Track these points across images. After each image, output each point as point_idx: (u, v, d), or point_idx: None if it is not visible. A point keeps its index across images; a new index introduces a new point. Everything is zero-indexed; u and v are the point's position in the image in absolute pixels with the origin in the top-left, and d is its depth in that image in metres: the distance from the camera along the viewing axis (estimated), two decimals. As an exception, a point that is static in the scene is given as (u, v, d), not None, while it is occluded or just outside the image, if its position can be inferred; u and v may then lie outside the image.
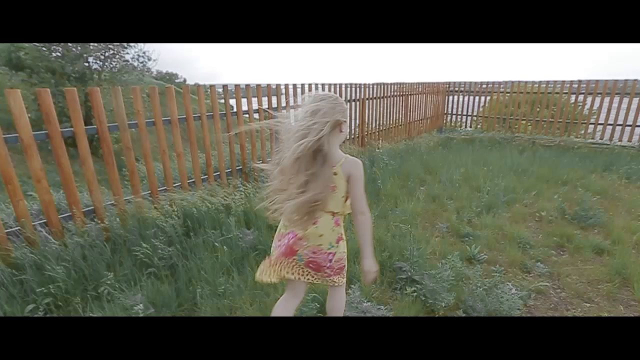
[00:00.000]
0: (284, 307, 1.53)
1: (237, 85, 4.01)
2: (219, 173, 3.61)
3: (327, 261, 1.42)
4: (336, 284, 1.50)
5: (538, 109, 7.76)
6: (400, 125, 7.16)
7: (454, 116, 9.11)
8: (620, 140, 6.89)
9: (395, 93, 6.78)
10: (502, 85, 8.26)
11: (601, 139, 7.06)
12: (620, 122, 6.83)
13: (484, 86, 8.62)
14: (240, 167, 3.84)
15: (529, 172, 5.00)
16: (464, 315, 2.02)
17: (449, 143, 7.33)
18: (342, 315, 1.64)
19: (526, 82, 7.83)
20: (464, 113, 8.93)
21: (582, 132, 7.24)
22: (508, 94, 8.18)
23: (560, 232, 3.10)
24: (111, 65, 15.78)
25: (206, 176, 3.51)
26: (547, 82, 7.56)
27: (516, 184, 4.43)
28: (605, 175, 5.02)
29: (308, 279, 1.46)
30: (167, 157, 3.11)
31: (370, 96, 6.00)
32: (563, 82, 7.33)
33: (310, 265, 1.43)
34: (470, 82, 8.72)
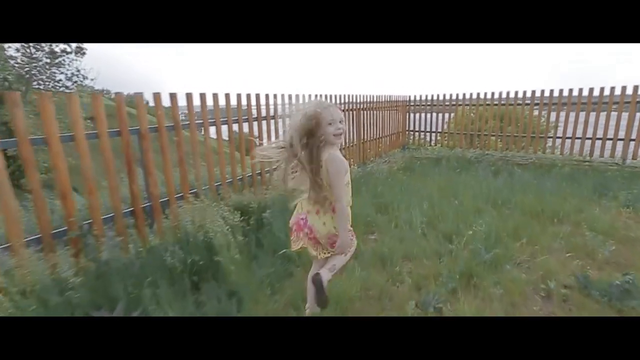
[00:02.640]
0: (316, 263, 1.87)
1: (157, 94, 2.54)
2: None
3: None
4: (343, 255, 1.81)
5: (509, 125, 6.83)
6: (352, 145, 5.90)
7: (418, 133, 8.05)
8: (601, 156, 6.01)
9: (342, 107, 5.53)
10: (466, 100, 7.28)
11: (581, 154, 6.17)
12: (599, 135, 5.98)
13: (447, 104, 7.61)
14: (67, 228, 2.30)
15: (512, 204, 3.82)
16: None
17: (412, 165, 6.14)
18: (341, 265, 1.83)
19: (493, 95, 6.89)
20: (429, 130, 7.89)
21: (559, 147, 6.31)
22: (474, 106, 7.22)
23: (591, 329, 1.81)
24: (37, 86, 13.80)
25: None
26: (516, 93, 6.66)
27: (499, 224, 3.19)
28: (602, 203, 3.93)
29: (327, 254, 1.76)
30: None
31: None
32: (533, 92, 6.45)
33: (331, 244, 1.74)
34: (432, 98, 7.69)
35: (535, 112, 6.77)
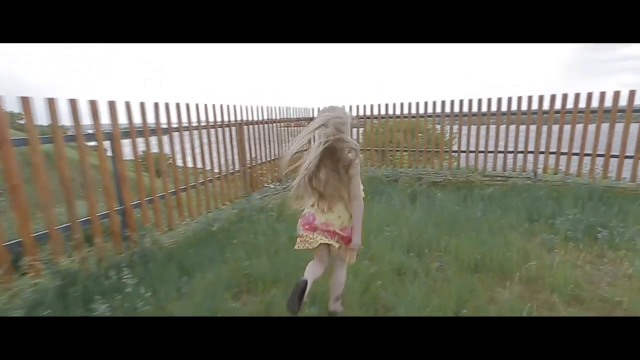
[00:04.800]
0: (313, 268, 1.79)
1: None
2: None
3: (350, 232, 1.76)
4: (346, 260, 1.80)
5: (421, 138, 6.09)
6: (231, 173, 4.33)
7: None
8: (514, 170, 5.55)
9: (220, 121, 3.94)
10: (374, 114, 6.37)
11: (494, 169, 5.65)
12: (511, 149, 5.53)
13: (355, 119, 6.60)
14: None
15: (442, 251, 2.70)
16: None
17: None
18: (342, 288, 1.88)
19: (402, 107, 6.11)
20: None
21: (473, 161, 5.73)
22: (383, 119, 6.35)
23: None
24: None
25: None
26: (426, 105, 5.96)
27: (432, 299, 1.97)
28: (542, 236, 3.07)
29: (336, 246, 1.75)
30: None
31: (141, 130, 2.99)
32: (443, 102, 5.79)
33: (342, 236, 1.76)
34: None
35: (443, 126, 6.18)
